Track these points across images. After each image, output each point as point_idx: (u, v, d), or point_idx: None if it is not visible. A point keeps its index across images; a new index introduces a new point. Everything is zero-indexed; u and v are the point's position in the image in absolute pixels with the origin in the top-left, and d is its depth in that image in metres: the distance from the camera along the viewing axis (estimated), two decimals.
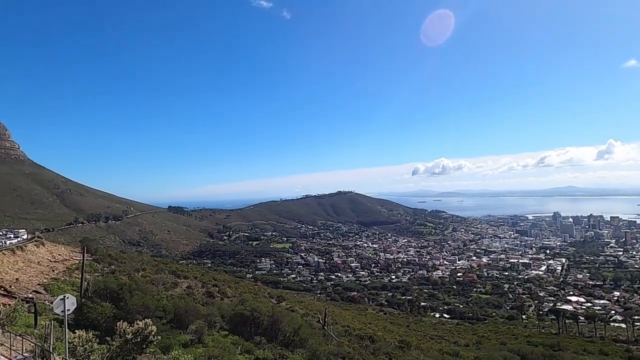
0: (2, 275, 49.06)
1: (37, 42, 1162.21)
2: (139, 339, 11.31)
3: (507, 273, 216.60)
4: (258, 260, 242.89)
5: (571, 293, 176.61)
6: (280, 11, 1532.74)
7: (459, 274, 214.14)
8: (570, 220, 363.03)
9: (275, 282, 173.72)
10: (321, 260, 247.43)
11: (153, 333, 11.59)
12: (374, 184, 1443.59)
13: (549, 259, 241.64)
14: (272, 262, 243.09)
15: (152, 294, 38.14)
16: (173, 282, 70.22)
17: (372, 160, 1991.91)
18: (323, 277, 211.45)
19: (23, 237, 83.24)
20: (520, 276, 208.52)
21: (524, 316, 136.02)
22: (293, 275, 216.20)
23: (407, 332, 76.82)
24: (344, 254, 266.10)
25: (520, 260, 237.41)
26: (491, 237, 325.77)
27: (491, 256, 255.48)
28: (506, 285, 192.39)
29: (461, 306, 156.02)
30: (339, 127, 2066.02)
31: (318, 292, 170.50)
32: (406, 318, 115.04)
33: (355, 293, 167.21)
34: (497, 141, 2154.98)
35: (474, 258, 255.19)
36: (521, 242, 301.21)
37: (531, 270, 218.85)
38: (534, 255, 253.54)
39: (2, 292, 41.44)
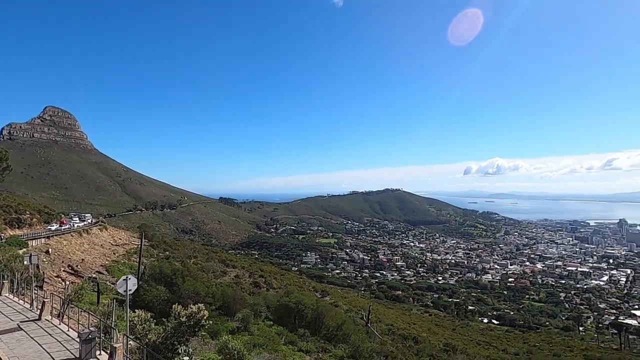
0: (71, 256, 53.40)
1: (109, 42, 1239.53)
2: (192, 322, 11.97)
3: (563, 281, 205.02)
4: (303, 254, 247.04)
5: (636, 307, 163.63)
6: None
7: (510, 279, 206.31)
8: (639, 228, 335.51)
9: (320, 277, 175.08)
10: (366, 257, 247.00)
11: (205, 318, 12.21)
12: (423, 183, 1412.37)
13: (612, 269, 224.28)
14: (318, 256, 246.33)
15: (202, 281, 39.92)
16: (222, 271, 73.00)
17: (421, 158, 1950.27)
18: (367, 274, 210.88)
19: (88, 221, 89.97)
20: (578, 285, 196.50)
21: (580, 328, 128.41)
22: (337, 271, 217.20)
23: (452, 336, 75.04)
24: (389, 252, 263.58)
25: (579, 269, 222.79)
26: (547, 242, 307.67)
27: (546, 262, 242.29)
28: (562, 294, 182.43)
29: (512, 313, 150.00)
30: (388, 124, 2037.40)
31: (362, 289, 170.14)
32: (452, 321, 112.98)
33: (400, 292, 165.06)
34: (559, 141, 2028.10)
35: (527, 263, 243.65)
36: (581, 249, 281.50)
37: (591, 279, 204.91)
38: (594, 264, 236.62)
39: (70, 271, 45.09)
